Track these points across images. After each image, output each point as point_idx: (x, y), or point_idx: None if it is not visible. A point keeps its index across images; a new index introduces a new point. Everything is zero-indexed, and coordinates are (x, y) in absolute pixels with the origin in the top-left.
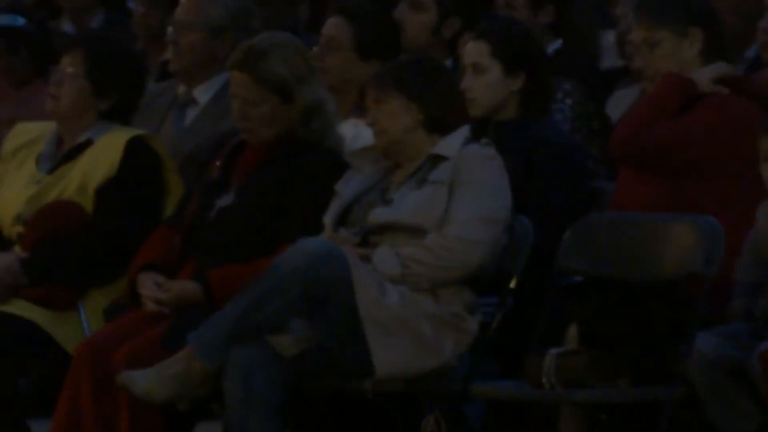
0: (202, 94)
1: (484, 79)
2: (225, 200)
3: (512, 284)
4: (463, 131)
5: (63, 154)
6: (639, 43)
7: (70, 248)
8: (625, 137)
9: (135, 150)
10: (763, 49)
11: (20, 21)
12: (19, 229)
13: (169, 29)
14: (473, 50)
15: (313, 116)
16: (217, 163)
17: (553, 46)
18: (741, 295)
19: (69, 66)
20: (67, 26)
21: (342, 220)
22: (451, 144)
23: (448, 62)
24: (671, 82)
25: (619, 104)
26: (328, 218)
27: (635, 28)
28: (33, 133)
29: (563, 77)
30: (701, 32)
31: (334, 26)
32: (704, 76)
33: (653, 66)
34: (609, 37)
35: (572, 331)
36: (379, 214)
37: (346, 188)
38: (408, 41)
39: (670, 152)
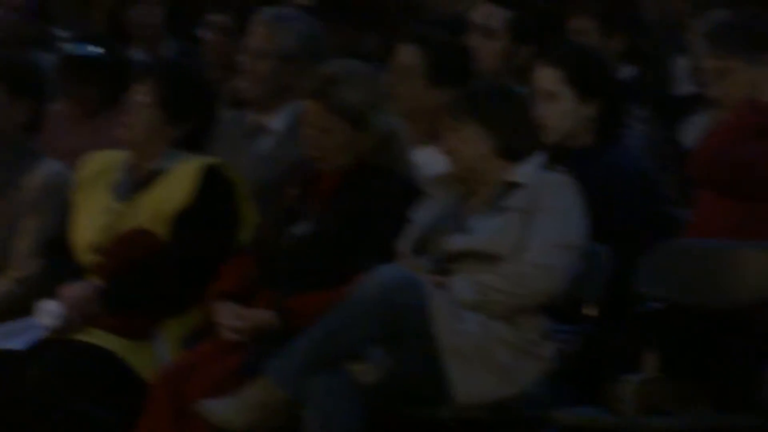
0: (275, 121)
1: (557, 106)
2: (301, 228)
3: (589, 311)
4: (538, 158)
5: (137, 182)
6: (712, 72)
7: (146, 277)
8: (704, 159)
9: (209, 178)
10: None
11: (93, 50)
12: (94, 258)
13: (241, 57)
14: (546, 77)
15: (386, 144)
16: (292, 192)
17: (626, 72)
18: None
19: (141, 94)
20: (138, 54)
21: (418, 247)
22: (527, 171)
23: (521, 89)
24: (749, 106)
25: (692, 131)
26: (404, 246)
27: (707, 57)
28: (107, 161)
29: (636, 104)
30: None
31: (406, 53)
32: None
33: (728, 95)
34: (681, 63)
35: (650, 357)
36: (454, 242)
37: (421, 216)
38: (480, 68)
39: (749, 173)
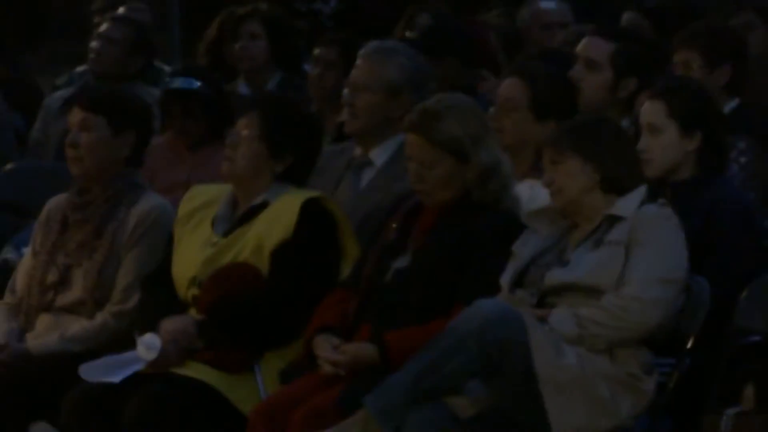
0: (379, 155)
1: (661, 139)
2: (401, 262)
3: (689, 344)
4: (640, 191)
5: (239, 216)
6: None
7: (246, 311)
8: None
9: (311, 212)
10: None
11: (195, 84)
12: (195, 291)
13: (345, 90)
14: (649, 110)
15: (489, 177)
16: (394, 225)
17: (730, 105)
18: None
19: (244, 128)
20: (243, 88)
21: (519, 281)
22: (628, 204)
23: (625, 122)
24: None
25: None
26: (505, 279)
27: None
28: (208, 195)
29: (738, 135)
30: None
31: (510, 87)
32: None
33: None
34: None
35: (749, 391)
36: (556, 275)
37: (523, 249)
38: (584, 101)
39: None
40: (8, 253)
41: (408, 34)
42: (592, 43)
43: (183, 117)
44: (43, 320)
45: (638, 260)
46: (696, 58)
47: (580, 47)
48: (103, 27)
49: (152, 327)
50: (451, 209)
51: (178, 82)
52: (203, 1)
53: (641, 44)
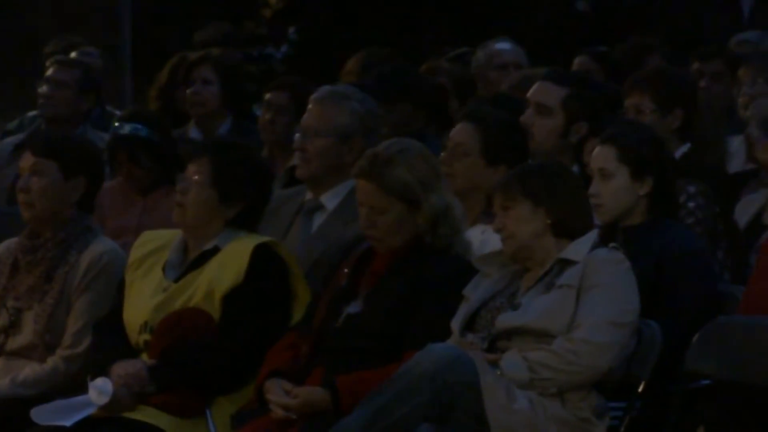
0: (330, 200)
1: (612, 184)
2: (353, 307)
3: (640, 388)
4: (591, 235)
5: (190, 261)
6: None
7: (197, 356)
8: None
9: (261, 257)
10: None
11: (142, 130)
12: (147, 336)
13: (296, 135)
14: (600, 155)
15: (440, 222)
16: (345, 270)
17: (681, 150)
18: None
19: (195, 174)
20: (194, 133)
21: (470, 324)
22: (579, 248)
23: (575, 167)
24: None
25: (747, 208)
26: (456, 323)
27: (763, 150)
28: (159, 240)
29: (688, 180)
30: None
31: (461, 132)
32: None
33: None
34: (735, 142)
35: None
36: (506, 319)
37: (474, 293)
38: (535, 146)
39: None
40: None
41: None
42: (543, 88)
43: (130, 163)
44: None
45: (589, 304)
46: (647, 103)
47: (531, 92)
48: (51, 71)
49: (104, 371)
50: (403, 254)
51: (125, 129)
52: (155, 47)
53: (593, 89)
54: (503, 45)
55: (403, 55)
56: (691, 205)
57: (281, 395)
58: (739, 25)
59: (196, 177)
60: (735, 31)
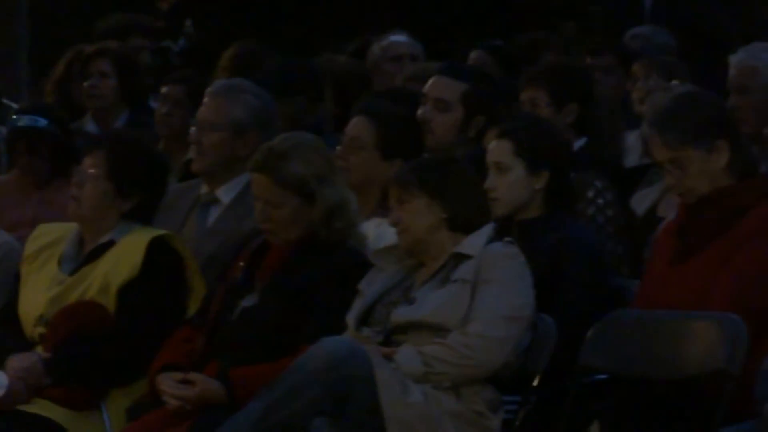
0: (225, 193)
1: (508, 177)
2: (248, 300)
3: (535, 382)
4: (486, 230)
5: (85, 255)
6: (664, 163)
7: (92, 348)
8: None
9: (157, 250)
10: None
11: (41, 122)
12: (42, 329)
13: (192, 129)
14: (496, 149)
15: (335, 216)
16: (241, 264)
17: (577, 143)
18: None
19: (91, 167)
20: (90, 126)
21: (365, 319)
22: (474, 243)
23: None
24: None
25: (642, 202)
26: (351, 317)
27: (658, 148)
28: (55, 234)
29: (593, 175)
30: (727, 143)
31: (357, 126)
32: None
33: (684, 185)
34: (632, 136)
35: (595, 428)
36: (401, 313)
37: (369, 287)
38: (435, 141)
39: None
40: None
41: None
42: (441, 84)
43: (28, 155)
44: None
45: (484, 298)
46: (543, 97)
47: (428, 87)
48: None
49: None
50: (298, 248)
51: (24, 120)
52: (51, 39)
53: (491, 83)
54: (398, 37)
55: (283, 48)
56: (600, 201)
57: (175, 386)
58: (640, 20)
59: (92, 170)
60: (635, 25)
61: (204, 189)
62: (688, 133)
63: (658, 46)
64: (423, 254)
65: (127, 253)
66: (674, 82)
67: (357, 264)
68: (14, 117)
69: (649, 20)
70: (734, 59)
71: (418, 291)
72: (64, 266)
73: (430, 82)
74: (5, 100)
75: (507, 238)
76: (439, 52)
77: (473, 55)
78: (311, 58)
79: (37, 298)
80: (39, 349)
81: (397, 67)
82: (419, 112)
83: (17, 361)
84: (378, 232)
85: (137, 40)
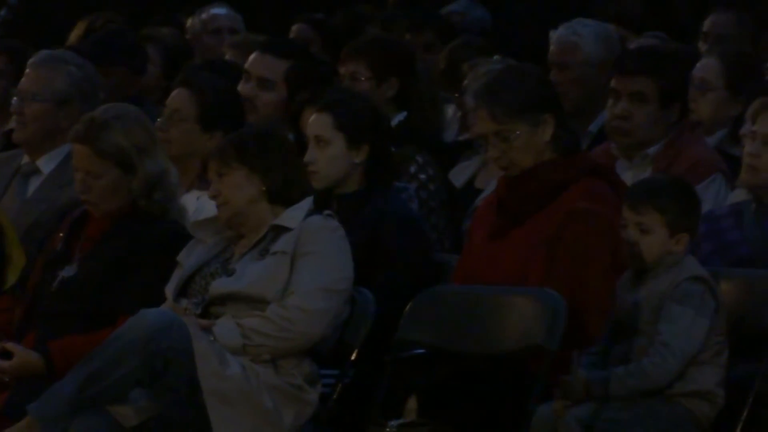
0: (46, 163)
1: (328, 151)
2: (68, 271)
3: (353, 356)
4: (306, 203)
5: None
6: (489, 136)
7: None
8: None
9: None
10: None
11: None
12: None
13: (14, 99)
14: (316, 123)
15: (155, 188)
16: (60, 234)
17: (398, 118)
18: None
19: None
20: None
21: (184, 290)
22: (294, 215)
23: (291, 135)
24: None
25: (461, 175)
26: (170, 289)
27: (484, 121)
28: None
29: (413, 149)
30: (552, 118)
31: (178, 98)
32: None
33: (508, 157)
34: (451, 110)
35: (412, 402)
36: (220, 285)
37: (188, 259)
38: (258, 119)
39: None
40: None
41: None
42: (264, 61)
43: None
44: None
45: (303, 271)
46: (363, 71)
47: (251, 64)
48: None
49: None
50: (118, 219)
51: None
52: None
53: (313, 59)
54: (218, 10)
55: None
56: (422, 176)
57: None
58: None
59: None
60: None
61: (25, 159)
62: (516, 107)
63: (473, 21)
64: (242, 226)
65: None
66: (496, 57)
67: (176, 236)
68: None
69: None
70: (554, 35)
71: (237, 263)
72: None
73: (251, 58)
74: None
75: (327, 211)
76: (261, 25)
77: (295, 29)
78: (137, 30)
79: None
80: None
81: (218, 40)
82: (241, 87)
83: None
84: (198, 205)
85: None
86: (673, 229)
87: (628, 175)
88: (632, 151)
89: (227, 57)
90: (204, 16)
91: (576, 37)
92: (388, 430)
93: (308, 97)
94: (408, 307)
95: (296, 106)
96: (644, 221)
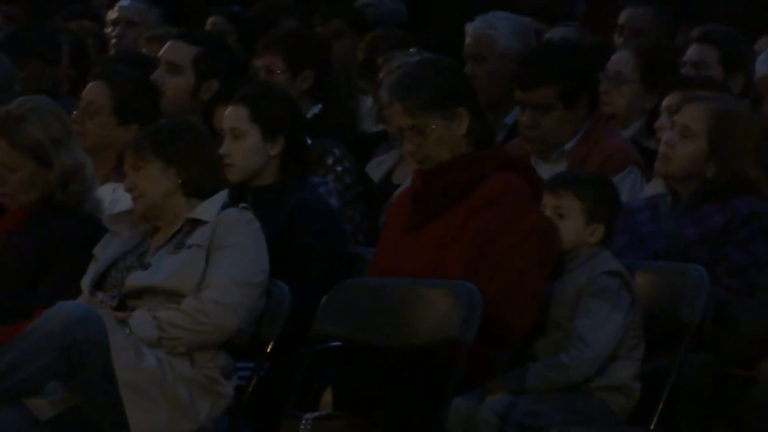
0: None
1: (243, 144)
2: None
3: (269, 348)
4: (222, 195)
5: None
6: (404, 130)
7: None
8: None
9: None
10: None
11: None
12: None
13: None
14: (232, 115)
15: (71, 180)
16: None
17: (313, 110)
18: None
19: None
20: None
21: (100, 283)
22: (209, 208)
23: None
24: None
25: (378, 169)
26: (86, 282)
27: (398, 115)
28: None
29: (331, 141)
30: (467, 111)
31: (93, 90)
32: None
33: (424, 151)
34: (367, 103)
35: (327, 395)
36: (136, 278)
37: (104, 252)
38: (167, 104)
39: None
40: None
41: None
42: (174, 47)
43: None
44: None
45: (218, 264)
46: (278, 63)
47: (162, 51)
48: None
49: None
50: (34, 212)
51: None
52: None
53: (223, 48)
54: (126, 2)
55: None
56: (339, 169)
57: None
58: None
59: None
60: None
61: None
62: (430, 100)
63: (387, 13)
64: (158, 219)
65: None
66: (412, 49)
67: (93, 229)
68: None
69: None
70: (470, 27)
71: (153, 256)
72: None
73: (165, 46)
74: None
75: (242, 204)
76: (178, 18)
77: (211, 21)
78: (49, 21)
79: None
80: None
81: (132, 32)
82: (153, 75)
83: None
84: (113, 197)
85: None
86: (590, 217)
87: (545, 169)
88: (546, 153)
89: (144, 51)
90: (117, 8)
91: (492, 30)
92: (303, 422)
93: (218, 92)
94: (323, 299)
95: (208, 102)
96: (562, 205)
